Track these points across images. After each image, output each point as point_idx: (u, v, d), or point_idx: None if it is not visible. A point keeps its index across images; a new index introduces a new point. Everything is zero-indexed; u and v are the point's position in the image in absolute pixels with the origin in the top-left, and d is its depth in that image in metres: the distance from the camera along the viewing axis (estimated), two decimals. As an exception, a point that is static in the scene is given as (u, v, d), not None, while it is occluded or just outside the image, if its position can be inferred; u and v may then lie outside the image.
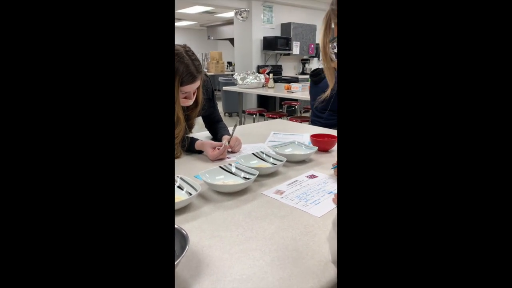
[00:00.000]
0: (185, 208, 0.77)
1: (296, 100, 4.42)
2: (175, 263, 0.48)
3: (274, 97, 4.80)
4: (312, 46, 6.34)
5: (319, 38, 0.60)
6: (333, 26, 0.56)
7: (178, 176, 0.85)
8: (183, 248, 0.53)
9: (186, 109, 1.23)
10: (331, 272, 0.54)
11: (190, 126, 1.31)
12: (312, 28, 6.24)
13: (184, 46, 1.12)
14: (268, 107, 5.21)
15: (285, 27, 5.98)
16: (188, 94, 1.15)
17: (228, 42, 8.59)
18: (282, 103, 4.55)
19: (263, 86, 4.08)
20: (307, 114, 4.31)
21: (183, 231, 0.56)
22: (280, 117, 3.65)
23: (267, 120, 3.33)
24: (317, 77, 2.48)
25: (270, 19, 5.89)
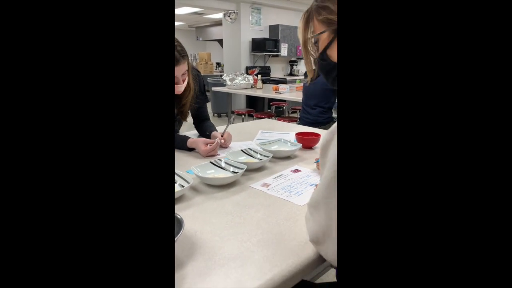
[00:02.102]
0: (178, 199, 0.83)
1: (284, 101, 4.51)
2: (172, 243, 0.55)
3: (263, 98, 4.88)
4: (300, 48, 6.45)
5: (298, 33, 0.65)
6: (316, 21, 0.60)
7: (171, 170, 0.91)
8: (178, 230, 0.59)
9: (181, 98, 1.29)
10: (310, 250, 0.61)
11: (184, 115, 1.36)
12: (300, 30, 6.34)
13: None
14: (257, 107, 5.28)
15: (273, 29, 6.07)
16: (176, 79, 1.18)
17: (216, 43, 8.63)
18: (271, 103, 4.63)
19: (251, 87, 4.16)
20: (295, 115, 4.40)
21: (178, 216, 0.62)
22: (268, 118, 3.72)
23: (255, 120, 3.40)
24: None
25: (258, 21, 5.97)
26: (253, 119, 4.04)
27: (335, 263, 0.57)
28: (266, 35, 6.07)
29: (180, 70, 1.17)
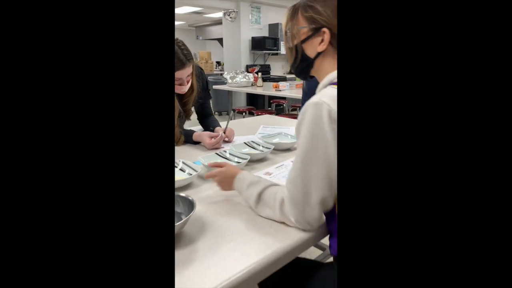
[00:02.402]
0: (187, 186, 0.90)
1: (284, 98, 4.57)
2: (184, 221, 0.61)
3: (263, 96, 4.94)
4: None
5: (282, 23, 0.73)
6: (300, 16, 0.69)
7: (180, 160, 0.98)
8: (190, 211, 0.66)
9: (183, 96, 1.35)
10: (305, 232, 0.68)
11: (187, 113, 1.42)
12: (299, 29, 6.41)
13: (176, 39, 1.24)
14: (257, 105, 5.35)
15: (273, 27, 6.13)
16: (181, 80, 1.25)
17: (216, 42, 8.68)
18: (271, 101, 4.70)
19: (252, 85, 4.22)
20: (295, 112, 4.46)
21: (190, 198, 0.69)
22: (269, 115, 3.78)
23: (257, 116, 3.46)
24: None
25: (258, 20, 6.02)
26: (253, 117, 4.11)
27: (314, 226, 0.66)
28: (266, 34, 6.12)
29: (186, 72, 1.23)
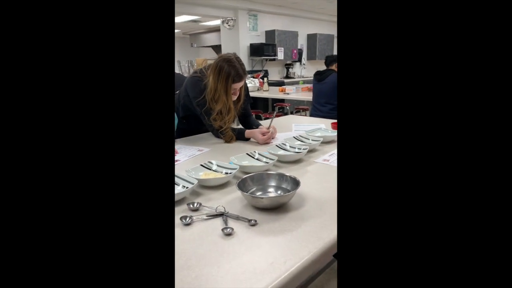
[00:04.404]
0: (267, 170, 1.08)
1: (283, 101, 4.79)
2: (291, 193, 0.79)
3: (265, 100, 5.15)
4: (295, 51, 6.76)
5: None
6: None
7: (255, 152, 1.17)
8: (296, 186, 0.84)
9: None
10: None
11: (233, 118, 1.62)
12: (295, 34, 6.68)
13: (234, 54, 1.45)
14: (258, 109, 5.55)
15: (270, 34, 6.37)
16: (235, 91, 1.48)
17: (210, 49, 8.85)
18: (274, 104, 4.90)
19: (258, 89, 4.43)
20: (298, 114, 4.67)
21: (295, 177, 0.88)
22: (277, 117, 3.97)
23: (263, 120, 3.64)
24: (320, 76, 2.84)
25: (255, 27, 6.26)
26: (261, 120, 4.30)
27: None
28: (263, 40, 6.36)
29: (241, 84, 1.46)
